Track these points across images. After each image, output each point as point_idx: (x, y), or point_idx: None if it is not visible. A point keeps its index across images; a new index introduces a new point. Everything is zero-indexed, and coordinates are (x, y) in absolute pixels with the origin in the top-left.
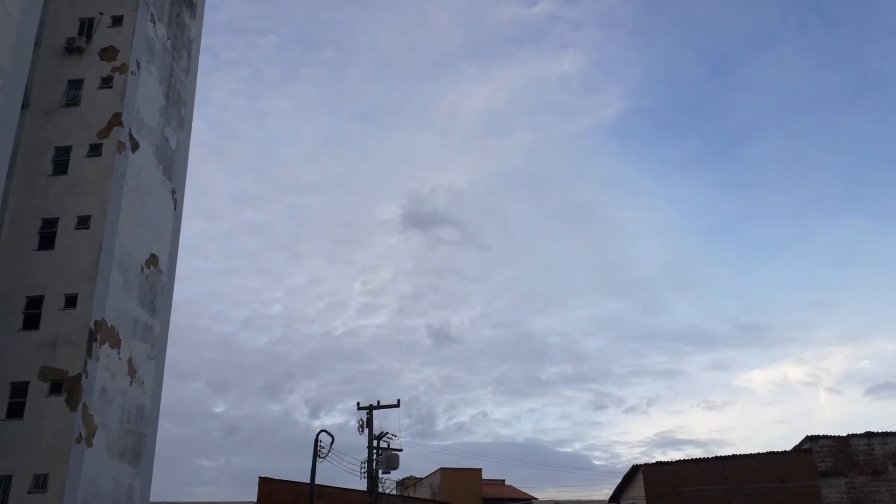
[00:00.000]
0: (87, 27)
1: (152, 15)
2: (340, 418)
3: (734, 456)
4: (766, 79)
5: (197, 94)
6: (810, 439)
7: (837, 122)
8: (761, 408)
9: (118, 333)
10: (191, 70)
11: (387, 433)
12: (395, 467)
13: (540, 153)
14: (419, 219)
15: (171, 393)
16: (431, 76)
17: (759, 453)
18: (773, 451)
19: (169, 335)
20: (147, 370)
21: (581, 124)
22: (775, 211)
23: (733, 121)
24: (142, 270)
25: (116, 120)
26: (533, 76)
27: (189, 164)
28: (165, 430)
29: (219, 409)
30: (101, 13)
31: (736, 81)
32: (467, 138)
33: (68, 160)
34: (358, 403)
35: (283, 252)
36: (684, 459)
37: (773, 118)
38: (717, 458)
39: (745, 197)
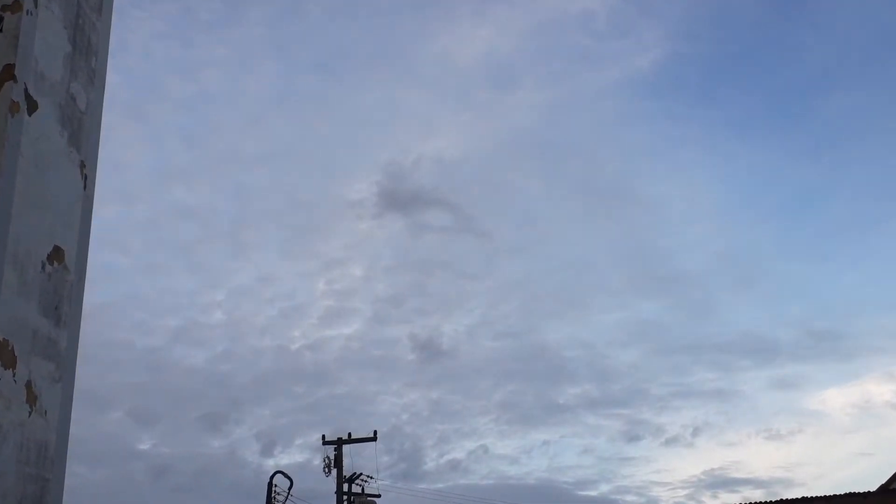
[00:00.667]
0: None
1: None
2: (301, 456)
3: (804, 499)
4: (846, 15)
5: (112, 39)
6: None
7: None
8: (839, 437)
9: (13, 349)
10: (103, 8)
11: (361, 474)
12: None
13: (555, 114)
14: (400, 199)
15: (83, 426)
16: (415, 14)
17: (836, 495)
18: (854, 493)
19: (79, 351)
20: (51, 396)
21: (608, 76)
22: (860, 184)
23: (806, 69)
24: (43, 268)
25: (8, 73)
26: (547, 14)
27: (103, 131)
28: (76, 473)
29: (144, 446)
30: None
31: (807, 18)
32: (462, 95)
33: None
34: (323, 437)
35: (224, 243)
36: None
37: (856, 65)
38: (782, 501)
39: (822, 167)
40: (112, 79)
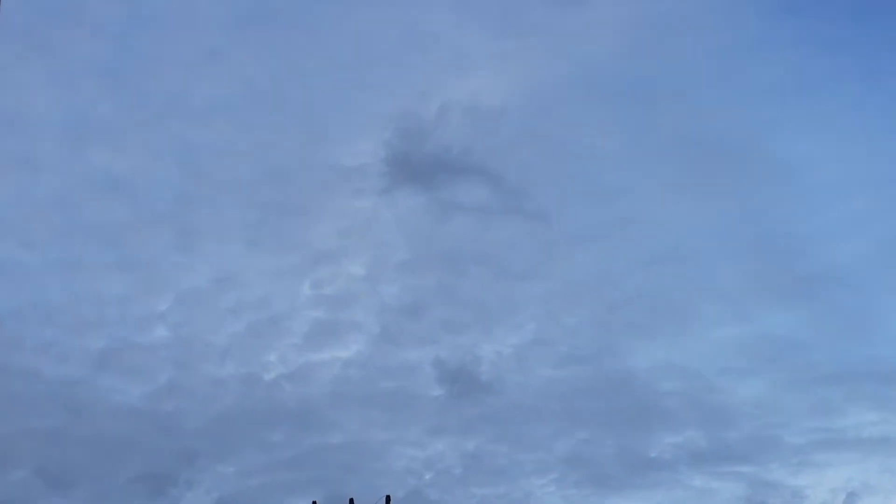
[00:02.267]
0: None
1: None
2: None
3: None
4: None
5: None
6: None
7: None
8: None
9: None
10: None
11: None
12: None
13: (641, 40)
14: (417, 166)
15: None
16: None
17: None
18: None
19: None
20: None
21: None
22: None
23: None
24: None
25: None
26: None
27: None
28: None
29: None
30: None
31: None
32: (506, 15)
33: None
34: None
35: (167, 229)
36: None
37: None
38: None
39: None
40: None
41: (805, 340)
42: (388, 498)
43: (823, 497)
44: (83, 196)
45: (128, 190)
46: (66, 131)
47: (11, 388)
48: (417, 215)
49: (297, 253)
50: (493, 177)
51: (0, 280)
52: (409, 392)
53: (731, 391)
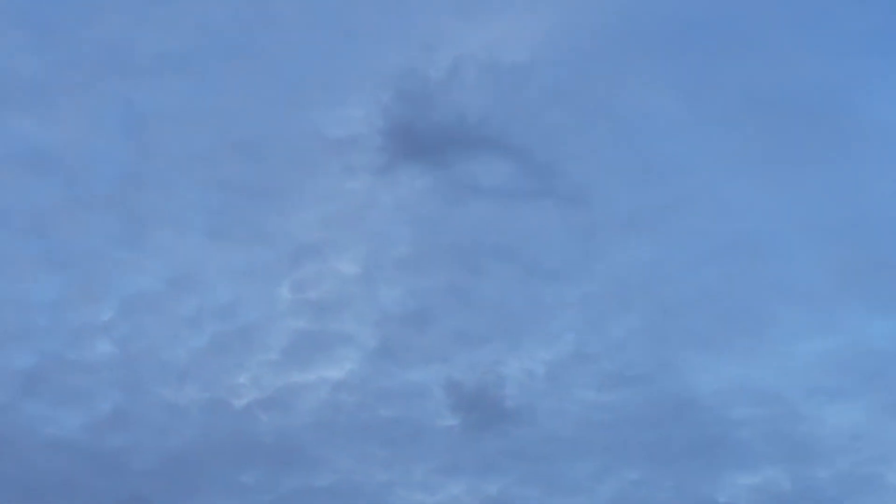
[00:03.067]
0: None
1: None
2: None
3: None
4: None
5: None
6: None
7: None
8: None
9: None
10: None
11: None
12: None
13: None
14: (422, 137)
15: None
16: None
17: None
18: None
19: None
20: None
21: None
22: None
23: None
24: None
25: None
26: None
27: None
28: None
29: None
30: None
31: None
32: None
33: None
34: None
35: (108, 215)
36: None
37: None
38: None
39: None
40: None
41: None
42: None
43: None
44: (6, 172)
45: (59, 166)
46: None
47: None
48: (423, 199)
49: (273, 246)
50: (518, 151)
51: None
52: (415, 422)
53: (820, 419)
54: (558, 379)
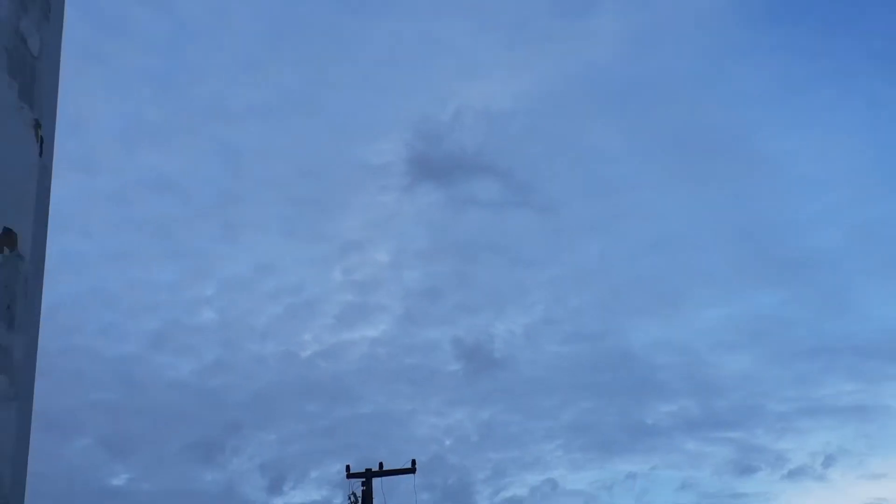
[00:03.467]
0: None
1: None
2: (318, 493)
3: None
4: None
5: None
6: None
7: None
8: None
9: None
10: None
11: None
12: None
13: (642, 47)
14: (435, 164)
15: (42, 457)
16: None
17: None
18: None
19: (38, 362)
20: (5, 419)
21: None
22: None
23: None
24: None
25: None
26: None
27: (60, 81)
28: None
29: (119, 482)
30: None
31: None
32: (517, 26)
33: None
34: (348, 468)
35: (212, 222)
36: None
37: None
38: None
39: None
40: (67, 13)
41: (786, 318)
42: (413, 462)
43: (803, 460)
44: (136, 193)
45: (176, 187)
46: (119, 134)
47: (74, 366)
48: (435, 209)
49: (329, 243)
50: (504, 173)
51: (62, 269)
52: (430, 367)
53: (720, 365)
54: (532, 337)
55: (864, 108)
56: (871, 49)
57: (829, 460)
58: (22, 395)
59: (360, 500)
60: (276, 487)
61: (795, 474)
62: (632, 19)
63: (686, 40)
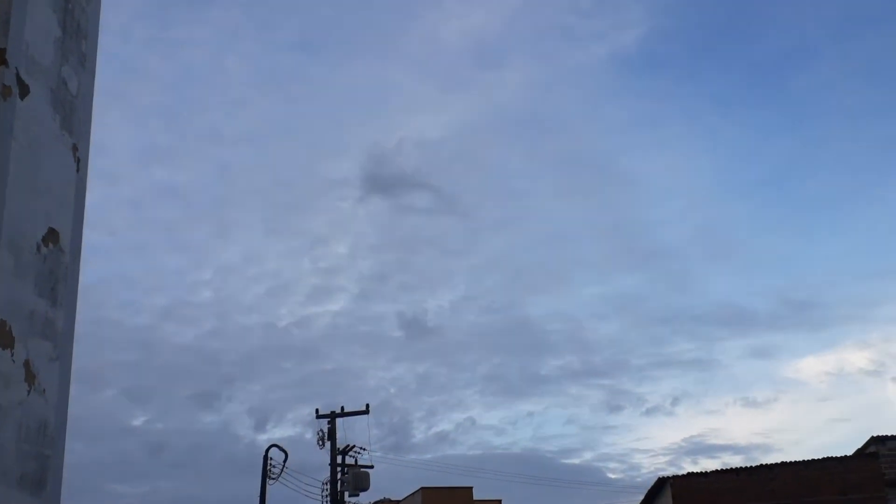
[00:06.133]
0: None
1: None
2: (293, 430)
3: (783, 464)
4: None
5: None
6: (876, 441)
7: None
8: (815, 404)
9: (10, 330)
10: None
11: (353, 447)
12: (366, 488)
13: (539, 91)
14: (383, 182)
15: (79, 404)
16: None
17: (813, 460)
18: (831, 457)
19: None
20: (49, 375)
21: (592, 54)
22: (837, 159)
23: (782, 43)
24: (38, 250)
25: (0, 57)
26: None
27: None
28: (73, 450)
29: (137, 423)
30: None
31: None
32: (447, 73)
33: None
34: (317, 410)
35: (209, 222)
36: (721, 470)
37: (827, 40)
38: (761, 466)
39: (801, 141)
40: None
41: (644, 295)
42: (367, 406)
43: (657, 400)
44: (149, 199)
45: (180, 195)
46: (136, 155)
47: (102, 333)
48: (383, 214)
49: (301, 238)
50: (435, 189)
51: (93, 259)
52: (379, 334)
53: (595, 329)
54: (456, 310)
55: (704, 137)
56: (711, 93)
57: (675, 401)
58: (63, 356)
59: (325, 434)
60: (260, 426)
61: (651, 411)
62: (532, 70)
63: (572, 86)
